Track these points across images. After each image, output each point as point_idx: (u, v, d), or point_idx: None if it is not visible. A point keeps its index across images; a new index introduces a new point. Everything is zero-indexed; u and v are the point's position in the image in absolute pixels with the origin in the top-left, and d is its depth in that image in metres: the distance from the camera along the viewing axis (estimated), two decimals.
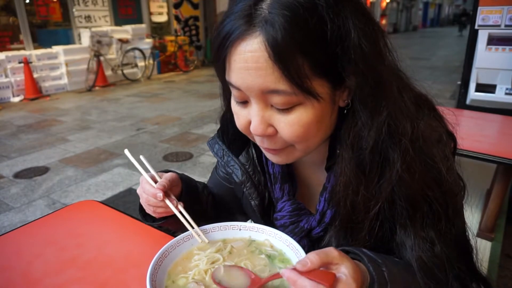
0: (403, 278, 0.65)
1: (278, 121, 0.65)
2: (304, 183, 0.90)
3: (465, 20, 23.09)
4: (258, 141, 0.72)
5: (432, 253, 0.67)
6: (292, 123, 0.64)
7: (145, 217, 0.96)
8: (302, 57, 0.59)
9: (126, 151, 0.90)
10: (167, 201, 0.83)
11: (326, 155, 0.78)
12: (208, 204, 1.04)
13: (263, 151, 0.76)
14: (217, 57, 0.66)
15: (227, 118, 0.90)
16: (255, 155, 0.89)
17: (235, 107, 0.72)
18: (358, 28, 0.61)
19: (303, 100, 0.63)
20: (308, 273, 0.54)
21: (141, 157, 0.89)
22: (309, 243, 0.84)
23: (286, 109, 0.64)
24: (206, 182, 1.12)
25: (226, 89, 0.79)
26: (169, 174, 0.89)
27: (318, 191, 0.81)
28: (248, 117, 0.68)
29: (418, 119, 0.70)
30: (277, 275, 0.62)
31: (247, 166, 0.89)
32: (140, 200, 0.90)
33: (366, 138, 0.66)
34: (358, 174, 0.68)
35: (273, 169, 0.88)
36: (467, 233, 0.75)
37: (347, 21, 0.60)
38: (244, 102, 0.68)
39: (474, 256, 0.75)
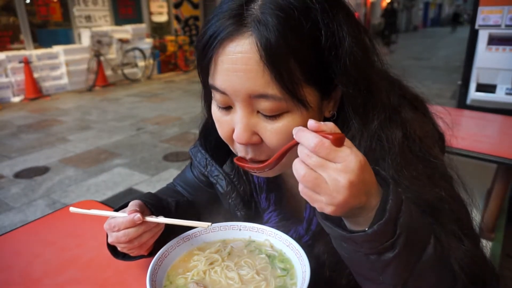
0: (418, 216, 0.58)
1: (264, 129, 0.62)
2: (291, 192, 0.87)
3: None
4: (241, 151, 0.67)
5: (465, 252, 0.62)
6: (279, 131, 0.61)
7: (115, 252, 0.83)
8: (294, 62, 0.56)
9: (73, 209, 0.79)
10: (148, 218, 0.74)
11: None
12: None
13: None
14: (201, 58, 0.62)
15: (209, 125, 0.85)
16: None
17: (216, 113, 0.67)
18: (351, 35, 0.60)
19: (291, 108, 0.60)
20: (317, 132, 0.52)
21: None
22: None
23: (273, 116, 0.61)
24: (173, 181, 1.06)
25: (207, 95, 0.74)
26: (133, 202, 0.79)
27: (304, 200, 0.80)
28: (232, 124, 0.64)
29: (414, 122, 0.69)
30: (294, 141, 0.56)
31: (231, 176, 0.85)
32: (109, 239, 0.78)
33: (357, 147, 0.65)
34: None
35: (258, 179, 0.85)
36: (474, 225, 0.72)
37: (341, 28, 0.59)
38: (228, 108, 0.64)
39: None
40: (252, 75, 0.57)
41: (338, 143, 0.51)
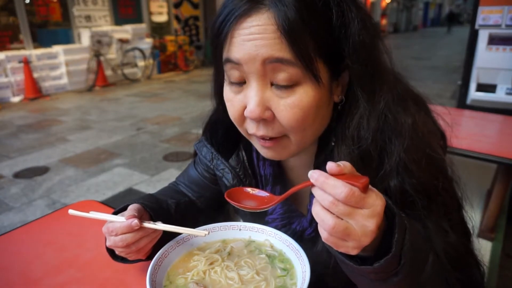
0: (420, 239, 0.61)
1: (277, 104, 0.63)
2: (295, 184, 0.87)
3: None
4: (252, 128, 0.68)
5: (449, 243, 0.67)
6: (292, 105, 0.62)
7: (114, 255, 0.82)
8: (309, 37, 0.60)
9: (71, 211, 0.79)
10: (146, 224, 0.74)
11: (315, 155, 0.78)
12: (184, 223, 0.85)
13: (257, 145, 0.72)
14: (217, 35, 0.64)
15: (216, 120, 0.87)
16: (245, 158, 0.87)
17: (229, 93, 0.68)
18: (359, 17, 0.63)
19: (305, 80, 0.62)
20: (338, 176, 0.51)
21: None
22: (303, 246, 0.83)
23: (287, 88, 0.62)
24: (176, 180, 1.05)
25: (219, 78, 0.75)
26: (132, 205, 0.78)
27: (309, 192, 0.80)
28: (244, 102, 0.65)
29: (418, 114, 0.71)
30: (307, 183, 0.54)
31: (237, 169, 0.86)
32: (107, 243, 0.77)
33: (366, 127, 0.66)
34: (358, 166, 0.67)
35: (264, 171, 0.87)
36: (465, 219, 0.75)
37: (350, 9, 0.63)
38: (241, 84, 0.66)
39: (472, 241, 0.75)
40: (268, 42, 0.59)
41: (366, 189, 0.50)
